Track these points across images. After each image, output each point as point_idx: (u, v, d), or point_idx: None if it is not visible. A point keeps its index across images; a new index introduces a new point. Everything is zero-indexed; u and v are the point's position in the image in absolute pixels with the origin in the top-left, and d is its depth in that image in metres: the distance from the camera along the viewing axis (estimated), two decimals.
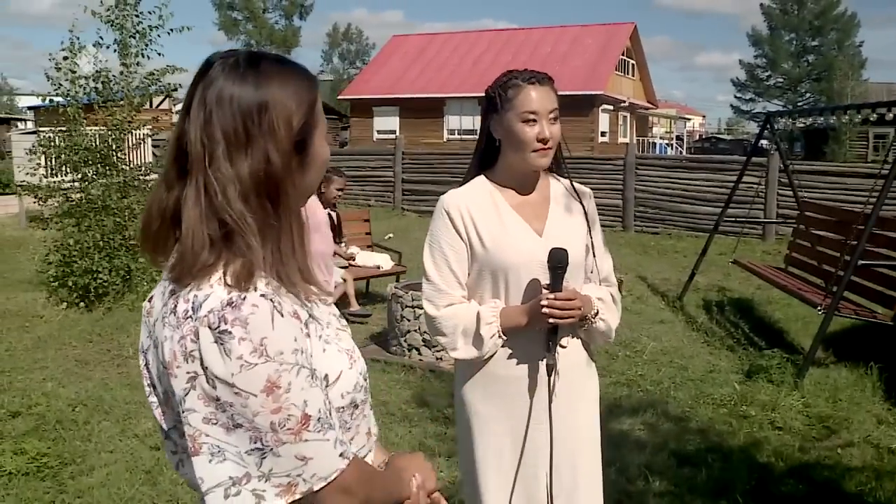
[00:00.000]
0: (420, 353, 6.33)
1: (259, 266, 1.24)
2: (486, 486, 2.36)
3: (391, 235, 13.11)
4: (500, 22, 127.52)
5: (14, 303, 8.15)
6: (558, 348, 2.25)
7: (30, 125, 27.48)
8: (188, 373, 1.21)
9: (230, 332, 1.18)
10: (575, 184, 2.44)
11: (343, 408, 1.37)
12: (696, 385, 5.71)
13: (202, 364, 1.19)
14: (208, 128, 1.25)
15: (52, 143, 8.58)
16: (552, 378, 2.23)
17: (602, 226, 2.51)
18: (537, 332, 2.24)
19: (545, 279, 2.23)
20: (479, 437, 2.37)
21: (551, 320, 2.17)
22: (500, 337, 2.27)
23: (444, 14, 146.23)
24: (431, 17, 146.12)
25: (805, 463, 4.38)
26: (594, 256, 2.39)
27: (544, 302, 2.17)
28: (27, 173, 8.58)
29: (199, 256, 1.23)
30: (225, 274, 1.23)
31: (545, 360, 2.22)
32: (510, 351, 2.30)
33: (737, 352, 6.58)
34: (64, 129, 8.49)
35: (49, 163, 8.91)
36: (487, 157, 2.39)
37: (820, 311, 5.98)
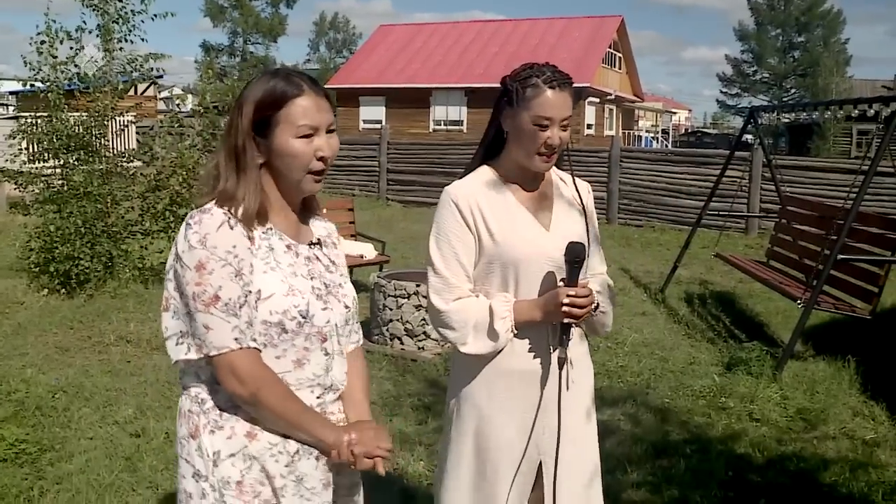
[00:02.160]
0: (402, 343, 6.33)
1: (237, 201, 1.75)
2: (480, 479, 2.33)
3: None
4: (488, 13, 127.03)
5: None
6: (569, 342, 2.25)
7: (11, 110, 27.19)
8: (173, 254, 1.78)
9: (191, 225, 1.74)
10: (575, 177, 2.43)
11: (270, 323, 1.75)
12: (677, 377, 5.75)
13: (177, 245, 1.75)
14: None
15: (33, 129, 8.50)
16: (562, 372, 2.22)
17: None
18: (545, 326, 2.23)
19: (552, 273, 2.23)
20: (477, 429, 2.33)
21: (566, 319, 2.17)
22: (513, 331, 2.25)
23: (432, 4, 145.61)
24: (419, 7, 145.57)
25: (783, 454, 4.42)
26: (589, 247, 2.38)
27: (565, 299, 2.14)
28: (6, 159, 8.51)
29: (203, 189, 1.84)
30: (215, 199, 1.77)
31: (556, 354, 2.21)
32: (519, 345, 2.27)
33: (717, 344, 6.63)
34: (45, 114, 8.42)
35: (30, 149, 8.82)
36: (493, 147, 2.37)
37: (800, 304, 6.03)
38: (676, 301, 8.30)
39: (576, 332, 2.34)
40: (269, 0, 53.17)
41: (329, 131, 1.82)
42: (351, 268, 8.71)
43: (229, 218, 1.74)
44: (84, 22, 8.41)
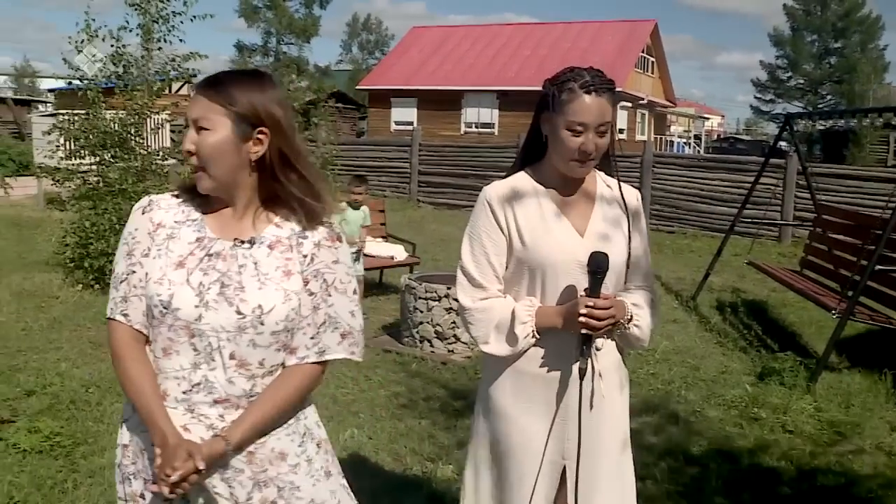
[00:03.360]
0: (432, 346, 6.33)
1: (181, 191, 1.93)
2: (503, 479, 2.34)
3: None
4: (522, 16, 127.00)
5: (31, 283, 8.20)
6: (593, 351, 2.21)
7: (50, 108, 27.61)
8: None
9: None
10: (625, 184, 2.39)
11: (148, 306, 1.84)
12: (708, 385, 5.70)
13: None
14: None
15: (71, 126, 8.63)
16: (583, 382, 2.18)
17: None
18: (571, 334, 2.19)
19: (583, 280, 2.18)
20: (501, 432, 2.33)
21: (584, 330, 2.14)
22: (533, 336, 2.23)
23: (465, 7, 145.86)
24: (453, 9, 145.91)
25: (815, 468, 4.36)
26: (630, 257, 2.31)
27: (583, 310, 2.12)
28: (45, 155, 8.63)
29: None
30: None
31: (577, 364, 2.17)
32: (543, 350, 2.25)
33: (749, 353, 6.56)
34: (83, 112, 8.54)
35: (67, 145, 8.95)
36: (534, 151, 2.35)
37: (834, 315, 5.95)
38: (708, 309, 8.23)
39: (607, 344, 2.30)
40: (303, 1, 53.41)
41: (199, 128, 1.82)
42: (381, 269, 8.75)
43: (150, 203, 1.91)
44: (127, 21, 8.53)
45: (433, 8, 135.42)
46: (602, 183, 2.38)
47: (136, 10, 8.50)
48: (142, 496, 1.86)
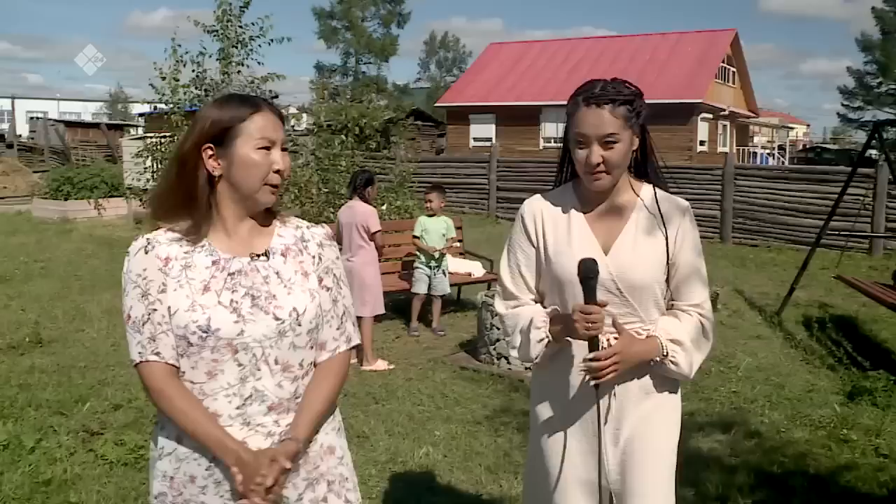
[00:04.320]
0: (509, 363, 6.29)
1: (172, 224, 1.94)
2: (544, 489, 2.37)
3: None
4: (600, 30, 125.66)
5: (120, 301, 8.45)
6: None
7: (141, 132, 28.72)
8: None
9: (127, 252, 1.95)
10: (671, 197, 2.30)
11: (179, 336, 1.86)
12: (793, 405, 5.50)
13: None
14: None
15: (157, 148, 8.95)
16: (599, 391, 2.17)
17: (699, 237, 2.35)
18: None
19: (604, 295, 2.17)
20: (540, 441, 2.37)
21: (581, 332, 2.13)
22: (548, 341, 2.24)
23: (543, 22, 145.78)
24: (531, 24, 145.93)
25: None
26: (670, 274, 2.24)
27: (575, 316, 2.13)
28: (133, 178, 8.99)
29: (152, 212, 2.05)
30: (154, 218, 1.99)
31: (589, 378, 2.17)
32: (565, 363, 2.28)
33: (838, 371, 6.31)
34: (168, 134, 8.85)
35: (153, 167, 9.29)
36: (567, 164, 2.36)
37: None
38: (794, 324, 7.95)
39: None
40: (381, 21, 54.29)
41: (283, 149, 1.93)
42: (459, 286, 8.77)
43: (148, 242, 1.91)
44: (204, 47, 8.83)
45: (510, 24, 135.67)
46: (646, 196, 2.29)
47: (215, 36, 8.78)
48: None
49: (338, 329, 2.02)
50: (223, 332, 1.84)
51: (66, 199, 16.07)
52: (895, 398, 5.38)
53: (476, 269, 8.75)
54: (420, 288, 7.64)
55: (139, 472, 4.22)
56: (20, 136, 34.27)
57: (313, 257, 2.01)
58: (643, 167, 2.31)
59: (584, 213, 2.29)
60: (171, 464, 1.91)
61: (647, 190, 2.31)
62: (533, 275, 2.34)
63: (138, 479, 4.15)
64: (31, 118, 39.92)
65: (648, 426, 2.27)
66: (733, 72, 36.51)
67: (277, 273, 1.94)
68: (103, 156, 27.14)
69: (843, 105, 55.41)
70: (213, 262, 1.91)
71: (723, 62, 34.28)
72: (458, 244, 9.16)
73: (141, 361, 1.86)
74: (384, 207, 9.39)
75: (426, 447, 4.61)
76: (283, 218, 2.05)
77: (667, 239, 2.23)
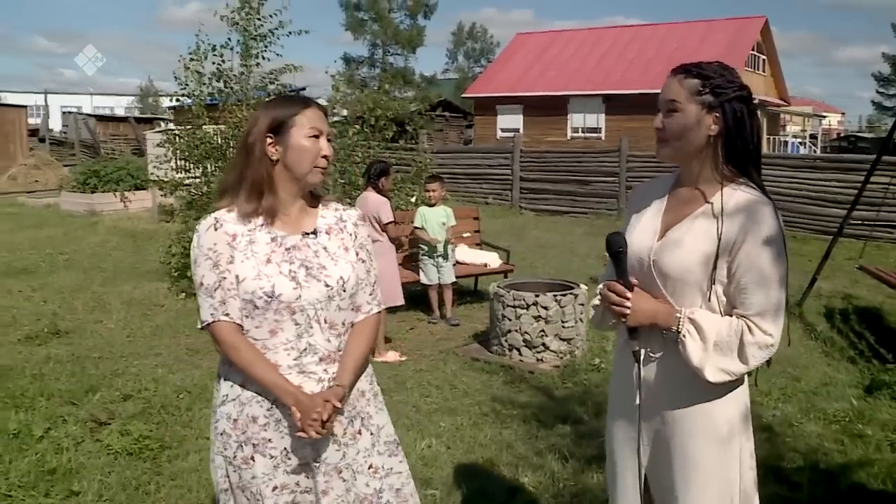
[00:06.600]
0: (521, 354, 6.25)
1: (234, 202, 2.26)
2: (610, 465, 2.44)
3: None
4: (631, 19, 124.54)
5: (140, 292, 8.58)
6: (641, 340, 2.18)
7: (170, 125, 28.97)
8: None
9: (196, 230, 2.28)
10: (750, 197, 2.13)
11: (246, 301, 2.21)
12: (808, 397, 5.39)
13: None
14: None
15: (177, 140, 9.00)
16: (639, 367, 2.18)
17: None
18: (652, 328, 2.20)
19: (643, 278, 2.19)
20: (609, 423, 2.43)
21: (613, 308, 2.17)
22: (603, 309, 2.29)
23: (573, 12, 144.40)
24: (561, 15, 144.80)
25: None
26: (727, 280, 2.10)
27: (601, 291, 2.24)
28: (155, 166, 9.06)
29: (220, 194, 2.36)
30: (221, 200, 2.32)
31: (634, 347, 2.18)
32: (623, 336, 2.28)
33: (858, 364, 6.18)
34: (187, 126, 8.89)
35: (175, 158, 9.34)
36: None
37: None
38: (815, 315, 7.80)
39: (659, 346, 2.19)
40: (408, 12, 54.22)
41: (328, 140, 2.29)
42: (476, 276, 8.73)
43: (216, 220, 2.25)
44: (228, 39, 8.84)
45: (541, 14, 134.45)
46: (726, 191, 2.15)
47: (235, 28, 8.79)
48: (252, 458, 2.24)
49: (370, 294, 2.41)
50: (284, 297, 2.19)
51: (93, 192, 16.27)
52: None
53: (493, 259, 8.71)
54: (431, 278, 7.63)
55: (142, 462, 4.25)
56: (52, 130, 34.70)
57: (351, 235, 2.38)
58: (742, 161, 2.18)
59: (671, 194, 2.27)
60: (234, 407, 2.25)
61: (731, 185, 2.16)
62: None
63: (141, 468, 4.17)
64: (65, 113, 40.43)
65: (687, 415, 2.19)
66: (763, 59, 35.94)
67: (325, 248, 2.31)
68: (130, 149, 27.41)
69: (878, 92, 54.46)
70: (272, 239, 2.26)
71: (752, 50, 33.77)
72: (475, 233, 9.13)
73: (213, 321, 2.21)
74: (413, 199, 9.34)
75: (429, 439, 4.58)
76: (326, 201, 2.41)
77: (720, 237, 2.09)
